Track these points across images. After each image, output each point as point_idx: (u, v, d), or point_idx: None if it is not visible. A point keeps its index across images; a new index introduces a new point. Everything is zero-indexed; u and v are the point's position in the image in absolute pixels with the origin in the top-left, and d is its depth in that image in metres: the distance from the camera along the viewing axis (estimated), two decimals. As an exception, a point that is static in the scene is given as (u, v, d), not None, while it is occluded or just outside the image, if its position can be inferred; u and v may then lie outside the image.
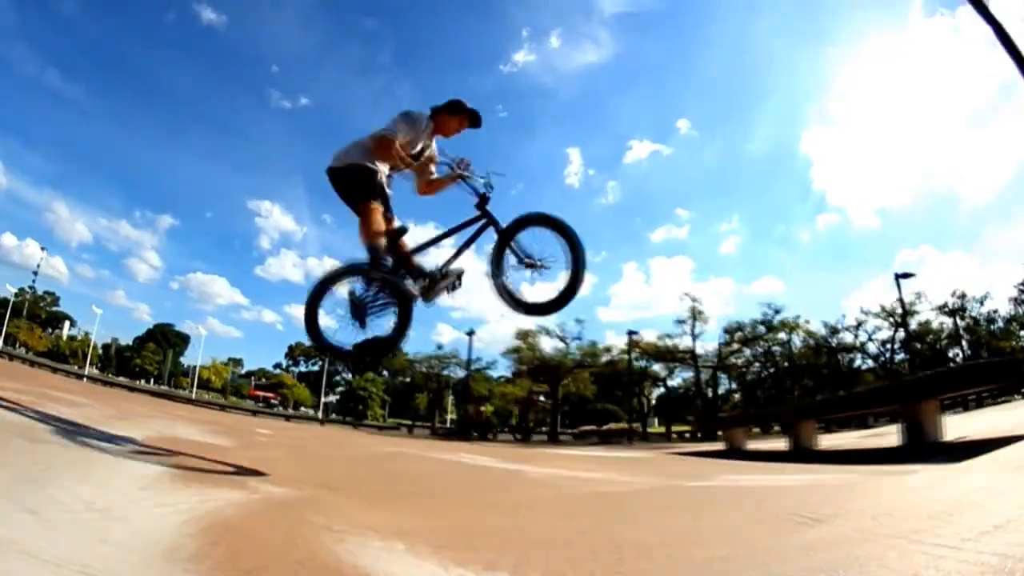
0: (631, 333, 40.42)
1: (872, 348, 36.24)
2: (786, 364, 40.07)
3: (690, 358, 38.63)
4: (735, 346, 39.54)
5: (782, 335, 38.20)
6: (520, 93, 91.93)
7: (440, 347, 49.65)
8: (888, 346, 35.45)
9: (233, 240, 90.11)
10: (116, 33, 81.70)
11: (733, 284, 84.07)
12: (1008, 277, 42.59)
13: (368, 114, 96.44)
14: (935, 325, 35.91)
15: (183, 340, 62.48)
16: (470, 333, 41.71)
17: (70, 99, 79.94)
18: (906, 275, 28.47)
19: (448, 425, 48.26)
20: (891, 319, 34.20)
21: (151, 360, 57.49)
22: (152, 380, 54.14)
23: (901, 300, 29.69)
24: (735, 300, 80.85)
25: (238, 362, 68.64)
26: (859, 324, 36.26)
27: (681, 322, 38.70)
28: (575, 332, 41.47)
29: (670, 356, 39.58)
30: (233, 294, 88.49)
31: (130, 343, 63.29)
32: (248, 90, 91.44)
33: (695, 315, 38.01)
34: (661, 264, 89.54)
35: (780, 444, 12.72)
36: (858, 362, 38.11)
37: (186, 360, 63.14)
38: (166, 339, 60.98)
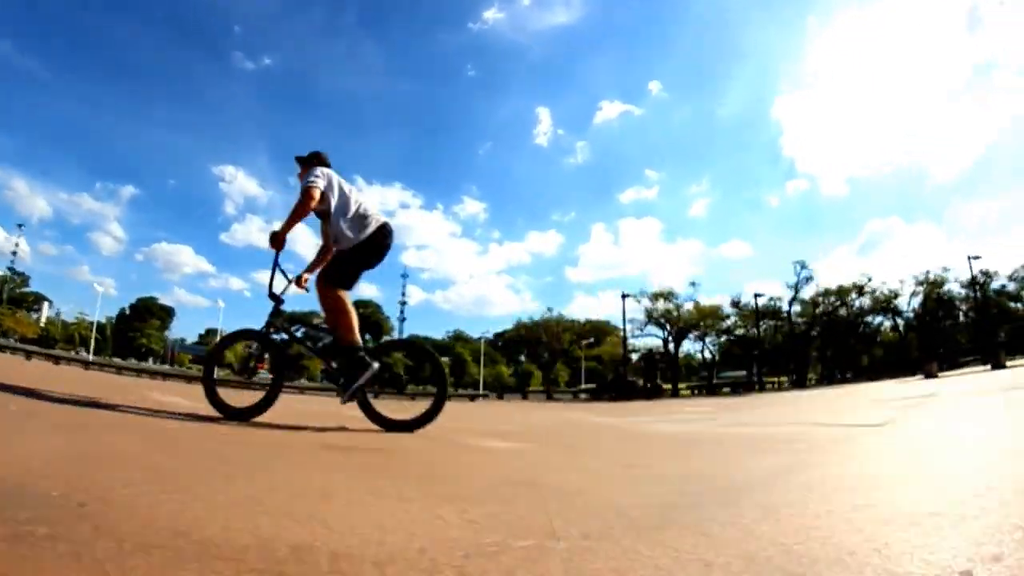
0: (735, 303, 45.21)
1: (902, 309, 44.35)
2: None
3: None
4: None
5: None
6: (490, 52, 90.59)
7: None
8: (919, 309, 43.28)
9: (198, 207, 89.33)
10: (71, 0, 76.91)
11: (702, 246, 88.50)
12: (972, 250, 48.17)
13: (333, 76, 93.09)
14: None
15: (168, 313, 63.27)
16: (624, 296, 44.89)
17: (24, 70, 77.70)
18: (976, 257, 36.01)
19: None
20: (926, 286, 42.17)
21: (157, 339, 58.19)
22: (158, 360, 55.51)
23: (974, 278, 37.51)
24: (704, 261, 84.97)
25: (214, 332, 70.39)
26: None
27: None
28: (690, 295, 46.09)
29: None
30: (199, 262, 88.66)
31: (112, 320, 63.67)
32: (210, 52, 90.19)
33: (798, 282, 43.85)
34: (630, 225, 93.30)
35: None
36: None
37: (172, 334, 64.06)
38: (150, 313, 61.58)
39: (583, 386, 51.93)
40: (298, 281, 3.60)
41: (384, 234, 3.41)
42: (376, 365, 3.25)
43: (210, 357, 3.55)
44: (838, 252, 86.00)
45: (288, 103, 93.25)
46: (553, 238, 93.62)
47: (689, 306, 46.61)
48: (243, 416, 3.15)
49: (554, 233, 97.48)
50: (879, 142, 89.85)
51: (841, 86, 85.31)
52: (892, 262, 76.74)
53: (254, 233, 79.54)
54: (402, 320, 66.61)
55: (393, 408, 3.51)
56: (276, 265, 3.39)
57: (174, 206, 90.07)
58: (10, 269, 59.54)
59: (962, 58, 73.68)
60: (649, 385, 41.37)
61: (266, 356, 3.48)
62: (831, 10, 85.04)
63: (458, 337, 69.55)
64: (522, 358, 70.20)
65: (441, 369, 3.53)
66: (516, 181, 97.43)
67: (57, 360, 28.60)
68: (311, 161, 3.55)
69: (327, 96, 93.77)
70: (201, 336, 65.51)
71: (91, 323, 53.00)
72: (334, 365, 3.31)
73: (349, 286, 3.36)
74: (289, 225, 3.28)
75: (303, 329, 3.46)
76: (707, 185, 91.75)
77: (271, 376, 3.42)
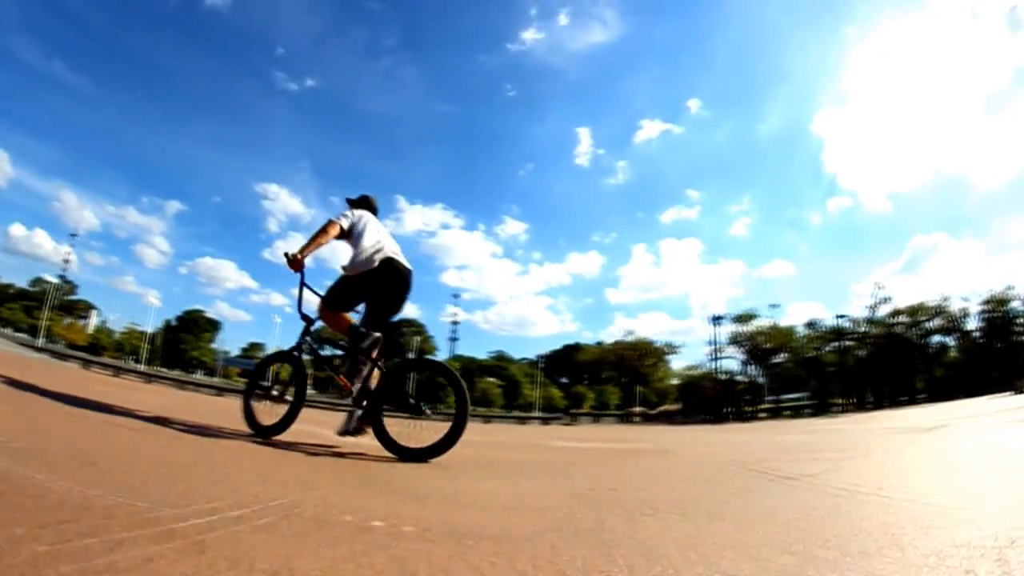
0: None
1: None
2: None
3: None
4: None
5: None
6: (529, 72, 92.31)
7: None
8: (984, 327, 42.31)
9: (241, 224, 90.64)
10: (121, 21, 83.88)
11: (743, 267, 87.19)
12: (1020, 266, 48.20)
13: (375, 97, 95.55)
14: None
15: (214, 327, 63.07)
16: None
17: (76, 88, 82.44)
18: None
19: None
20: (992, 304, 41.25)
21: (208, 351, 57.94)
22: (206, 372, 54.96)
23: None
24: (745, 282, 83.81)
25: (259, 347, 69.77)
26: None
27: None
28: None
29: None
30: (242, 277, 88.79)
31: (160, 330, 63.56)
32: (254, 73, 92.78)
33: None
34: (671, 246, 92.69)
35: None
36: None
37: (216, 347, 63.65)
38: (197, 325, 61.43)
39: (666, 407, 50.48)
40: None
41: (389, 270, 3.36)
42: (378, 334, 3.21)
43: (251, 378, 3.61)
44: (881, 271, 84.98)
45: (330, 124, 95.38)
46: (594, 259, 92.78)
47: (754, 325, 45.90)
48: (269, 434, 3.19)
49: (595, 254, 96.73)
50: (921, 154, 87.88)
51: (881, 97, 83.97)
52: (938, 279, 74.26)
53: (296, 250, 79.83)
54: (453, 340, 65.48)
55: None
56: (303, 284, 3.43)
57: (218, 222, 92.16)
58: (60, 276, 60.08)
59: (1003, 61, 72.78)
60: (732, 409, 40.01)
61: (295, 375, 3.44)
62: (870, 18, 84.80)
63: (500, 358, 68.38)
64: (563, 379, 68.83)
65: (463, 389, 3.16)
66: (557, 202, 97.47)
67: (117, 371, 28.02)
68: (357, 203, 3.74)
69: (369, 117, 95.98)
70: (244, 349, 65.12)
71: (142, 333, 52.77)
72: (354, 389, 3.22)
73: (346, 310, 3.39)
74: (306, 249, 3.33)
75: (329, 349, 3.57)
76: (748, 204, 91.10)
77: (293, 400, 3.33)
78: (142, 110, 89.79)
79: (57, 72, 79.46)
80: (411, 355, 22.90)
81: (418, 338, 65.04)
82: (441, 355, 64.07)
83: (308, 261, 3.36)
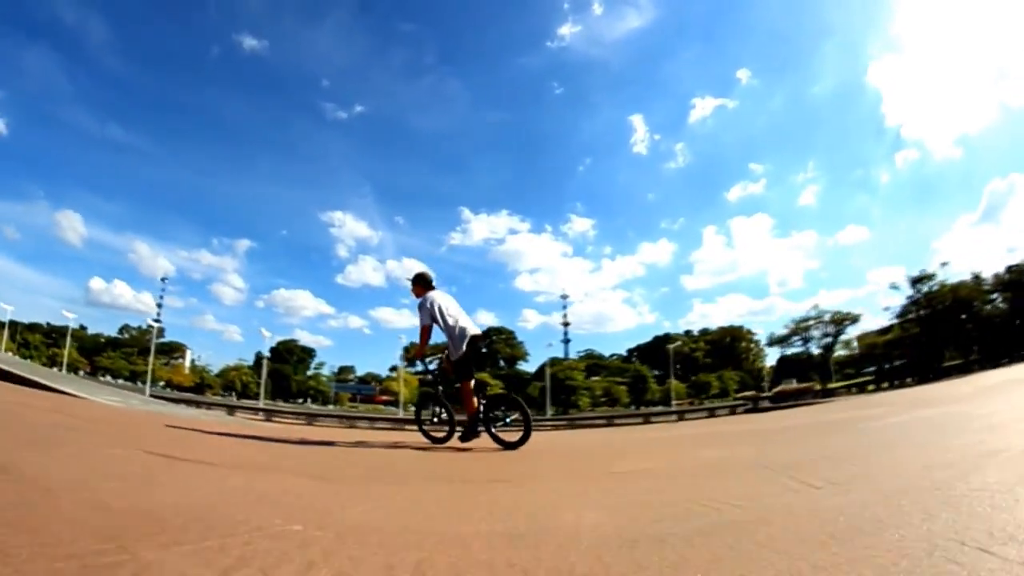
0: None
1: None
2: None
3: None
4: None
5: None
6: (572, 67, 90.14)
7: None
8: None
9: (311, 253, 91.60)
10: (166, 79, 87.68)
11: (816, 237, 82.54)
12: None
13: (424, 114, 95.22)
14: None
15: (309, 354, 62.78)
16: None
17: (134, 147, 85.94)
18: None
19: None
20: None
21: (321, 380, 57.62)
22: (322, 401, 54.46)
23: None
24: (821, 252, 79.90)
25: (349, 369, 69.25)
26: None
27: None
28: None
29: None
30: (318, 304, 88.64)
31: (249, 364, 63.70)
32: (303, 108, 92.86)
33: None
34: (740, 224, 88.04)
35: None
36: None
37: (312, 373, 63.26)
38: (291, 354, 61.25)
39: (784, 387, 47.45)
40: (443, 362, 5.45)
41: (474, 347, 5.07)
42: (480, 430, 5.05)
43: (417, 410, 5.74)
44: (960, 223, 79.62)
45: (385, 146, 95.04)
46: (665, 247, 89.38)
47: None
48: (440, 442, 5.26)
49: (665, 242, 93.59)
50: (985, 90, 78.57)
51: (935, 36, 78.24)
52: (1020, 225, 67.21)
53: (368, 272, 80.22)
54: (566, 342, 63.45)
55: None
56: (425, 367, 5.52)
57: (288, 254, 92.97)
58: (155, 319, 60.70)
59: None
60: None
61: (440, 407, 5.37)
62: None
63: (590, 356, 66.22)
64: (655, 371, 66.21)
65: (527, 411, 5.05)
66: (620, 193, 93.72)
67: (269, 415, 26.97)
68: (418, 282, 5.38)
69: (421, 134, 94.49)
70: (335, 373, 64.74)
71: (249, 368, 52.42)
72: (462, 428, 5.16)
73: (470, 376, 5.04)
74: (421, 350, 5.23)
75: (444, 390, 5.38)
76: (813, 170, 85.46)
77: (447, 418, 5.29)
78: (201, 158, 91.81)
79: (114, 134, 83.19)
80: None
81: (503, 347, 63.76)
82: (538, 360, 62.34)
83: None
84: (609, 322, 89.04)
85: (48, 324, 70.64)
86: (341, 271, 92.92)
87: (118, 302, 79.88)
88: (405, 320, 78.85)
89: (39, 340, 65.86)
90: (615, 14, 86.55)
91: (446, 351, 5.22)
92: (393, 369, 65.99)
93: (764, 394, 50.32)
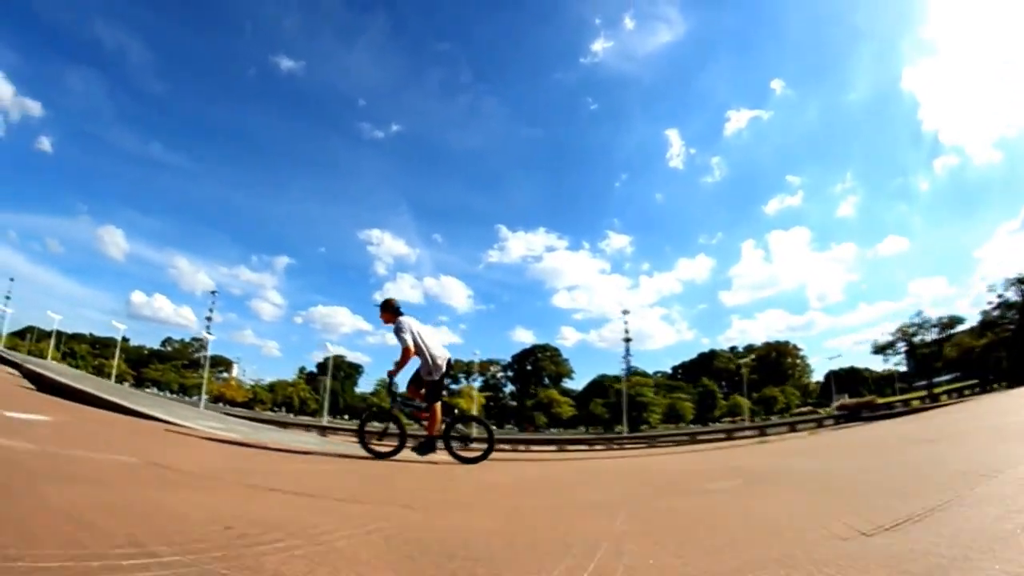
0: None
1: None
2: None
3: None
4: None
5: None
6: (606, 83, 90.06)
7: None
8: None
9: (349, 270, 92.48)
10: (206, 99, 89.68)
11: (855, 249, 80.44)
12: None
13: (460, 132, 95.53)
14: None
15: (356, 370, 62.86)
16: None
17: (175, 165, 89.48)
18: None
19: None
20: None
21: (383, 396, 57.49)
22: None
23: None
24: (860, 265, 78.32)
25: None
26: None
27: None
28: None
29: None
30: (356, 321, 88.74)
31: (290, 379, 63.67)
32: (340, 127, 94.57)
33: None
34: (779, 238, 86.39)
35: None
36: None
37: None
38: (340, 370, 61.18)
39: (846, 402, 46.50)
40: (389, 375, 5.56)
41: (447, 372, 5.47)
42: (439, 446, 5.38)
43: (362, 423, 5.80)
44: (1000, 231, 77.01)
45: (422, 164, 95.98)
46: (703, 263, 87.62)
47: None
48: (384, 456, 5.27)
49: (703, 257, 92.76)
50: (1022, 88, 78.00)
51: (970, 37, 76.80)
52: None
53: (406, 290, 79.96)
54: (627, 356, 62.82)
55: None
56: (392, 385, 5.65)
57: (327, 271, 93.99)
58: (207, 332, 60.86)
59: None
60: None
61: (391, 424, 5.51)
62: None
63: (635, 373, 65.70)
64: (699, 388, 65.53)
65: (491, 429, 5.62)
66: (657, 209, 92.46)
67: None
68: (387, 309, 5.57)
69: (458, 152, 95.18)
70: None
71: (304, 383, 52.17)
72: (422, 441, 5.41)
73: (439, 398, 5.40)
74: (398, 370, 5.33)
75: (406, 408, 5.59)
76: (851, 181, 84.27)
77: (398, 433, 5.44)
78: (240, 176, 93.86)
79: (155, 153, 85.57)
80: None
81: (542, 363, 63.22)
82: (586, 376, 61.68)
83: None
84: (648, 339, 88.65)
85: (91, 335, 71.41)
86: (379, 288, 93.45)
87: (158, 315, 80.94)
88: (444, 337, 78.79)
89: (85, 350, 66.39)
90: (647, 29, 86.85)
91: (418, 371, 5.52)
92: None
93: (829, 409, 49.54)
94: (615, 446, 26.91)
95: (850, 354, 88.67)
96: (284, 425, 26.70)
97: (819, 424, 30.12)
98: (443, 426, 5.38)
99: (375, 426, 5.71)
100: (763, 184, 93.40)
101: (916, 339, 52.12)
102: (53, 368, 11.05)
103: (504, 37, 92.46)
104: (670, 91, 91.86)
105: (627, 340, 55.13)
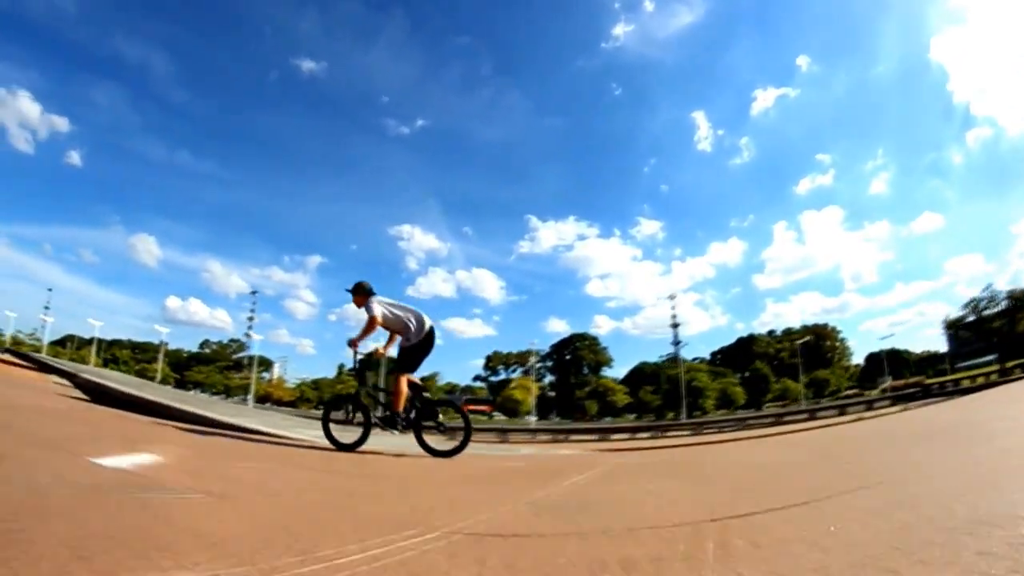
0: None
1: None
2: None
3: None
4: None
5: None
6: (629, 67, 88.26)
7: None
8: None
9: (381, 266, 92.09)
10: (229, 106, 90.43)
11: (889, 227, 78.59)
12: None
13: (485, 125, 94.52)
14: None
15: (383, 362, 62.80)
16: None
17: (203, 172, 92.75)
18: None
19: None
20: None
21: (435, 391, 57.87)
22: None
23: None
24: (895, 243, 76.11)
25: (431, 378, 69.12)
26: None
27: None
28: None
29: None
30: None
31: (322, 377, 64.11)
32: (365, 125, 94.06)
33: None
34: (811, 218, 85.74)
35: None
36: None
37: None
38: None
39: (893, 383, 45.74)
40: (376, 352, 5.22)
41: (433, 335, 5.11)
42: (399, 430, 4.89)
43: (325, 411, 5.11)
44: None
45: (448, 158, 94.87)
46: (735, 246, 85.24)
47: None
48: (348, 448, 4.71)
49: (735, 240, 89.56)
50: None
51: (999, 5, 70.93)
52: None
53: (439, 284, 79.72)
54: (676, 344, 62.27)
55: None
56: (356, 355, 5.05)
57: (359, 268, 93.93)
58: (250, 332, 61.61)
59: None
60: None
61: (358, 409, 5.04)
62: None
63: (673, 359, 65.14)
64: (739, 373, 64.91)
65: (467, 418, 5.01)
66: (687, 193, 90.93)
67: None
68: (358, 292, 5.14)
69: (484, 145, 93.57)
70: (418, 384, 64.81)
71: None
72: (386, 413, 4.98)
73: (411, 369, 5.02)
74: (360, 338, 5.00)
75: (374, 392, 5.37)
76: (883, 157, 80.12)
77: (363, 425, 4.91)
78: (268, 179, 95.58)
79: (183, 161, 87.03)
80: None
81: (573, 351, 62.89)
82: (621, 364, 61.43)
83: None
84: (683, 326, 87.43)
85: (129, 340, 72.62)
86: (412, 283, 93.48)
87: (193, 319, 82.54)
88: (477, 329, 79.56)
89: (127, 355, 67.52)
90: (667, 10, 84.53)
91: (390, 342, 5.16)
92: (481, 379, 66.01)
93: (875, 392, 48.67)
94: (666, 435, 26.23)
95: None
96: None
97: (869, 406, 29.50)
98: (411, 407, 4.89)
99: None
100: (793, 164, 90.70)
101: (986, 312, 50.39)
102: (112, 376, 10.02)
103: (523, 27, 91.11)
104: (694, 72, 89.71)
105: (675, 325, 54.52)
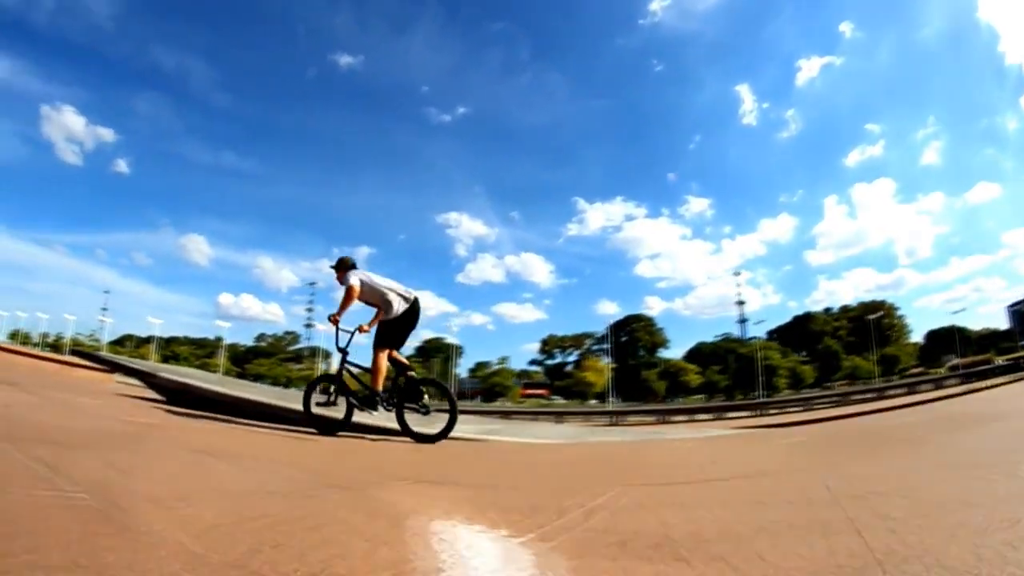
0: None
1: None
2: None
3: None
4: None
5: None
6: (668, 43, 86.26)
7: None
8: None
9: (430, 255, 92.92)
10: (270, 104, 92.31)
11: (943, 198, 75.89)
12: None
13: (527, 109, 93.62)
14: None
15: (458, 352, 63.36)
16: None
17: (248, 171, 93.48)
18: None
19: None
20: None
21: (507, 374, 58.38)
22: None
23: None
24: (950, 216, 73.39)
25: (485, 365, 69.64)
26: None
27: None
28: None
29: None
30: (440, 304, 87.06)
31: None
32: (407, 115, 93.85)
33: None
34: (862, 191, 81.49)
35: None
36: None
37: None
38: (439, 351, 62.10)
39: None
40: (359, 329, 4.88)
41: (417, 308, 5.02)
42: (379, 411, 4.71)
43: (307, 391, 4.89)
44: None
45: (492, 144, 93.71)
46: (785, 222, 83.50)
47: None
48: (333, 429, 4.66)
49: (786, 216, 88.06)
50: None
51: None
52: None
53: (488, 270, 79.62)
54: (742, 322, 61.70)
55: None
56: (337, 331, 4.83)
57: (408, 257, 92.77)
58: (309, 322, 62.67)
59: None
60: None
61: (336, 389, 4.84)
62: None
63: (728, 339, 64.74)
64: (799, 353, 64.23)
65: (453, 399, 4.95)
66: (735, 169, 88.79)
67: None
68: (340, 267, 5.11)
69: (527, 129, 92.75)
70: (471, 370, 65.44)
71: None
72: (365, 393, 4.79)
73: (394, 345, 4.86)
74: (340, 312, 4.77)
75: (357, 371, 4.96)
76: (934, 125, 78.44)
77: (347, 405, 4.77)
78: (313, 175, 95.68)
79: (228, 162, 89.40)
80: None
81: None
82: (680, 345, 60.92)
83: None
84: (734, 304, 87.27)
85: (186, 337, 74.41)
86: (461, 270, 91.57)
87: (246, 314, 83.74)
88: (528, 314, 79.33)
89: (188, 351, 69.23)
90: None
91: (376, 318, 4.91)
92: (537, 363, 66.25)
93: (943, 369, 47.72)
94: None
95: (940, 313, 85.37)
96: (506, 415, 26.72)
97: (938, 385, 28.53)
98: (390, 385, 4.72)
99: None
100: (841, 135, 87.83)
101: None
102: (192, 375, 7.65)
103: (558, 10, 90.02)
104: (735, 45, 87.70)
105: (740, 303, 53.99)
